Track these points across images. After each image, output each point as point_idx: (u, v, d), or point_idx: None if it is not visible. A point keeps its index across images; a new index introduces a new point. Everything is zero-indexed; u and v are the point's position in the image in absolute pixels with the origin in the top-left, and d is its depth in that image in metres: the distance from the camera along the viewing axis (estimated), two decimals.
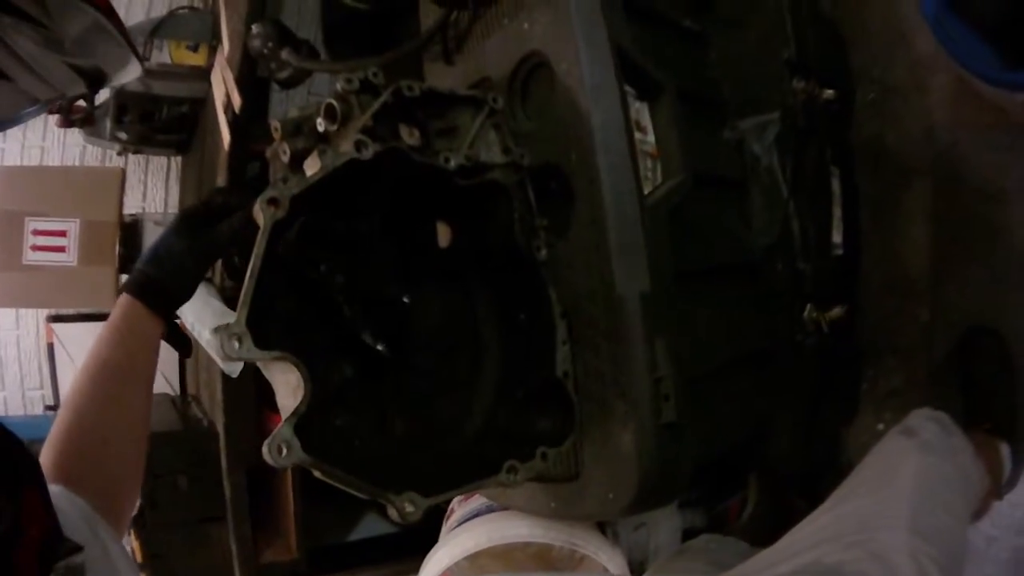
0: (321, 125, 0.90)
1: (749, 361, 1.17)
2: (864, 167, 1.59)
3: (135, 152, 2.30)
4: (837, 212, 1.48)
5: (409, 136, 0.89)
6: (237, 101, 1.63)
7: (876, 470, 1.12)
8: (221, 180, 1.72)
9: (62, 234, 1.65)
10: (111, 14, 1.19)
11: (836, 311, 1.31)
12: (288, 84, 1.45)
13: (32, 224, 1.65)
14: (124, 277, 1.75)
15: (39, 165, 2.31)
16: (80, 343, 1.97)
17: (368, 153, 0.78)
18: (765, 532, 1.28)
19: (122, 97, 2.03)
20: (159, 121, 2.14)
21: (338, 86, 0.92)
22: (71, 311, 2.05)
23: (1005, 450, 1.34)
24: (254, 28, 1.34)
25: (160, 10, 2.30)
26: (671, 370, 0.85)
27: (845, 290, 1.50)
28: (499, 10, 1.06)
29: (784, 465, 1.36)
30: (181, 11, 2.26)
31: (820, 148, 1.36)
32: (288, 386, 0.65)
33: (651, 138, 1.00)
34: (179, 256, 0.87)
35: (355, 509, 2.22)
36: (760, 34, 1.28)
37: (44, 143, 2.37)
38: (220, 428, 1.87)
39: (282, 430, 0.62)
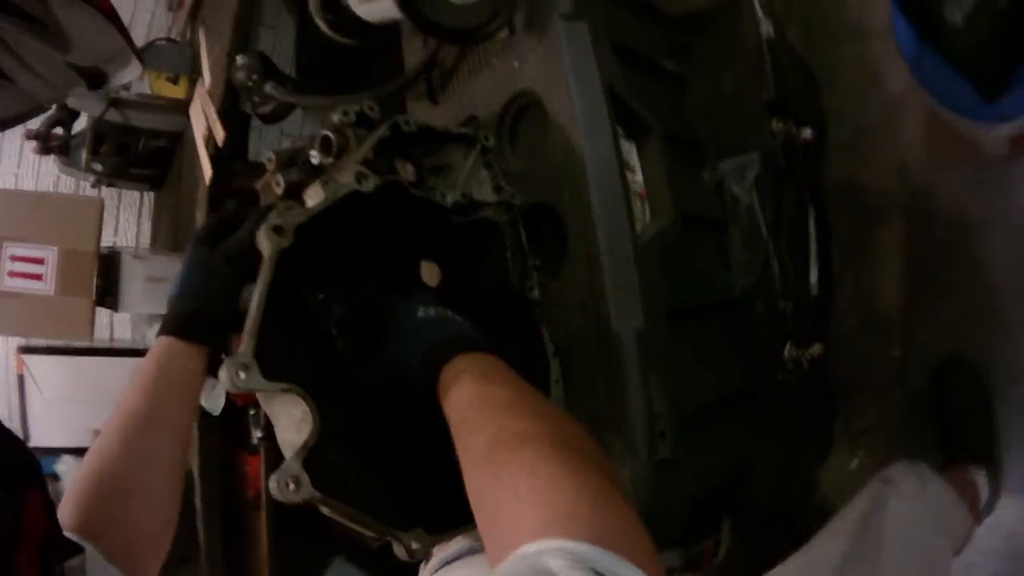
0: (316, 157, 0.90)
1: (733, 400, 1.18)
2: (838, 206, 1.62)
3: (108, 185, 2.25)
4: (812, 252, 1.50)
5: (404, 171, 0.90)
6: (220, 134, 1.62)
7: (855, 515, 1.15)
8: (200, 216, 1.69)
9: (40, 261, 1.59)
10: (113, 15, 1.19)
11: (816, 348, 1.33)
12: (270, 119, 1.43)
13: (10, 249, 1.59)
14: (100, 310, 1.71)
15: (16, 189, 2.25)
16: (50, 377, 1.92)
17: (369, 185, 0.79)
18: (738, 573, 1.28)
19: (100, 127, 2.01)
20: (135, 153, 2.11)
21: (334, 118, 0.92)
22: (42, 343, 1.99)
23: (982, 479, 1.35)
24: (239, 59, 1.32)
25: (138, 40, 2.27)
26: (666, 407, 0.86)
27: (821, 328, 1.53)
28: (487, 49, 1.07)
29: (761, 506, 1.36)
30: (160, 42, 2.24)
31: (798, 188, 1.39)
32: (292, 420, 0.64)
33: (639, 178, 1.02)
34: (208, 274, 0.81)
35: (325, 553, 2.18)
36: (739, 76, 1.30)
37: (19, 170, 2.31)
38: (195, 469, 1.82)
39: (291, 464, 0.60)
